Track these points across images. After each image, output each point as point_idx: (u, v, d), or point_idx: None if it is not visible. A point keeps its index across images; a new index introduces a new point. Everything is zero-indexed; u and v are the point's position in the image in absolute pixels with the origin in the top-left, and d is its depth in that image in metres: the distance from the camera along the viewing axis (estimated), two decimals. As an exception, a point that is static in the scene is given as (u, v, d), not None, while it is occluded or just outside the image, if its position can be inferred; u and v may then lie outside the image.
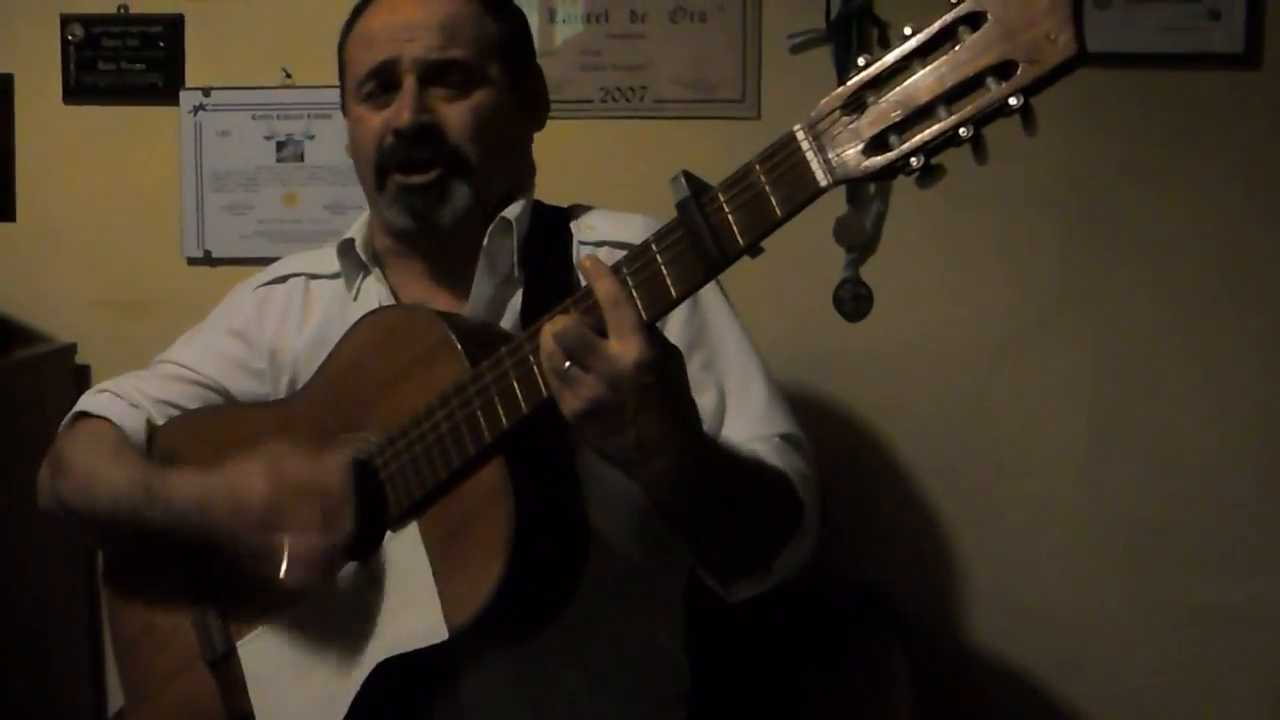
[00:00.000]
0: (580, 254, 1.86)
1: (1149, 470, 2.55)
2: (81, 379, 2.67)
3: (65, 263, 2.73)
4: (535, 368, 1.50)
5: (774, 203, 1.34)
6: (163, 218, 2.70)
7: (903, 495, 2.60)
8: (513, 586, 1.53)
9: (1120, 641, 2.57)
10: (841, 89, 1.30)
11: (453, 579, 1.58)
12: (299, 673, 1.73)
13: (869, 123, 1.28)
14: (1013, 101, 1.22)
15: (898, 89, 1.27)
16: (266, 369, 1.95)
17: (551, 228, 1.89)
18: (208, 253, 2.69)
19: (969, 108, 1.24)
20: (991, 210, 2.51)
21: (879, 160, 1.28)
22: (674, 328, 1.76)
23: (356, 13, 1.90)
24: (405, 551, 1.64)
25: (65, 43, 2.69)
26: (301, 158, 2.66)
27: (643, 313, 1.43)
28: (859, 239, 2.51)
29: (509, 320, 1.82)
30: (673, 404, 1.47)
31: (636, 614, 1.84)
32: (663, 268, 1.42)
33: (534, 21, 2.53)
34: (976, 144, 1.25)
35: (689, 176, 1.39)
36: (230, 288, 2.07)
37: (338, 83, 1.94)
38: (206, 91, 2.67)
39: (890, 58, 1.28)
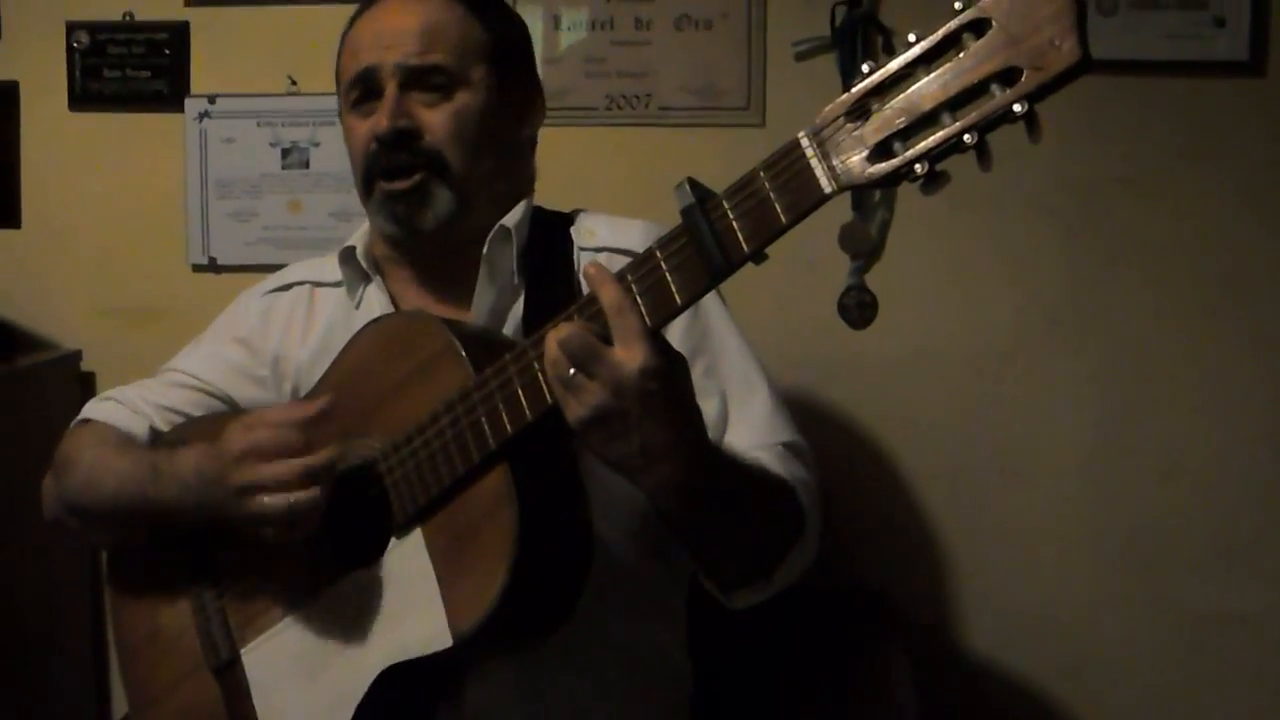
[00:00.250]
0: (581, 259, 1.86)
1: (1152, 477, 2.55)
2: (87, 386, 2.67)
3: (70, 269, 2.74)
4: (540, 374, 1.50)
5: (779, 209, 1.33)
6: (168, 225, 2.70)
7: (907, 501, 2.60)
8: (517, 593, 1.53)
9: (1124, 648, 2.57)
10: (846, 96, 1.30)
11: (457, 585, 1.58)
12: (303, 679, 1.73)
13: (873, 129, 1.28)
14: (1017, 108, 1.22)
15: (902, 96, 1.27)
16: (269, 376, 1.96)
17: (552, 234, 1.89)
18: (213, 260, 2.69)
19: (973, 114, 1.24)
20: (995, 217, 2.51)
21: (883, 167, 1.28)
22: (676, 334, 1.75)
23: (350, 23, 1.91)
24: (410, 558, 1.63)
25: (71, 50, 2.69)
26: (306, 165, 2.67)
27: (647, 319, 1.43)
28: (864, 246, 2.51)
29: (511, 327, 1.82)
30: (677, 411, 1.47)
31: (639, 619, 1.84)
32: (667, 274, 1.41)
33: (538, 29, 2.55)
34: (981, 151, 1.25)
35: (693, 183, 1.39)
36: (235, 295, 2.07)
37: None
38: (212, 99, 2.67)
39: (894, 65, 1.28)
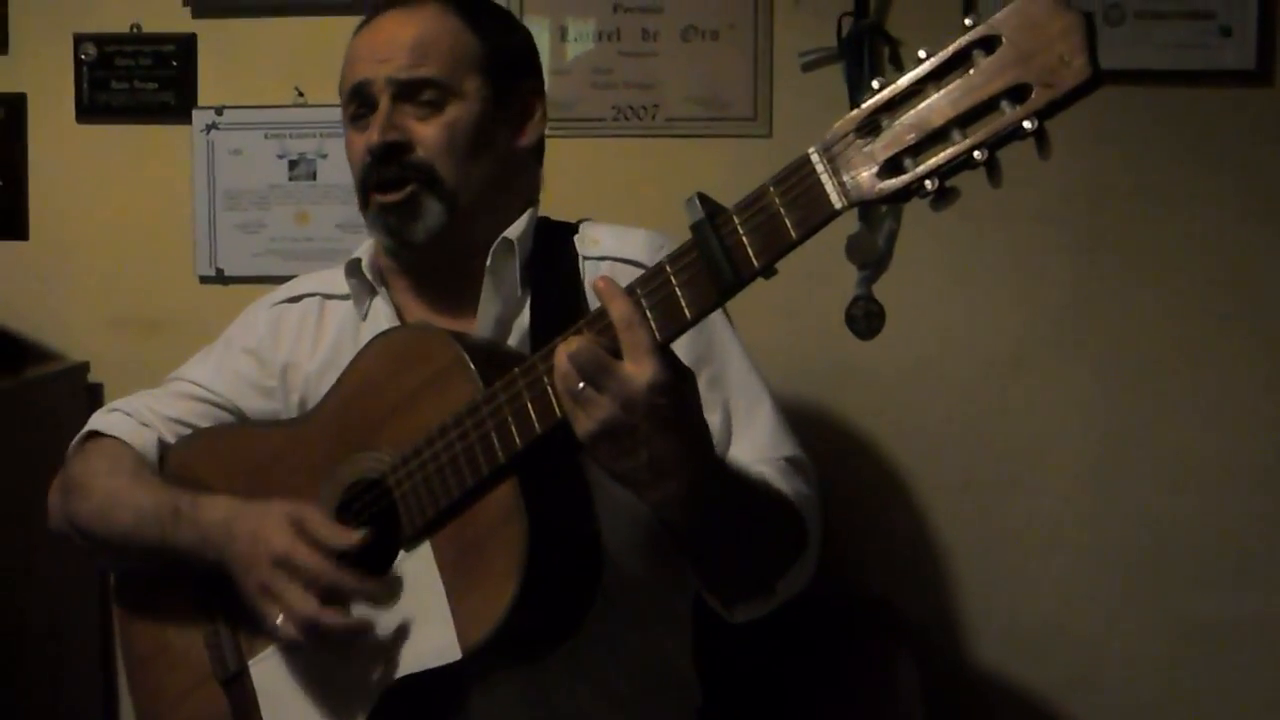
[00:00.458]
0: (585, 268, 1.86)
1: (1160, 486, 2.55)
2: (94, 397, 2.67)
3: (78, 281, 2.74)
4: (549, 388, 1.50)
5: (789, 225, 1.33)
6: (175, 236, 2.71)
7: (914, 511, 2.60)
8: (526, 606, 1.53)
9: (1132, 658, 2.57)
10: (856, 112, 1.30)
11: (466, 598, 1.58)
12: (312, 692, 1.73)
13: (883, 145, 1.28)
14: (1027, 125, 1.22)
15: (912, 112, 1.27)
16: (278, 387, 1.96)
17: (556, 244, 1.89)
18: (220, 271, 2.70)
19: (983, 131, 1.24)
20: (1003, 227, 2.51)
21: (894, 183, 1.28)
22: (680, 346, 1.73)
23: (353, 35, 1.92)
24: (418, 571, 1.64)
25: (78, 62, 2.70)
26: (314, 176, 2.67)
27: (656, 334, 1.43)
28: (871, 256, 2.51)
29: (516, 339, 1.83)
30: (685, 426, 1.47)
31: (646, 630, 1.84)
32: (677, 289, 1.41)
33: (545, 40, 2.55)
34: (991, 167, 1.25)
35: (703, 198, 1.39)
36: (243, 306, 2.07)
37: (345, 103, 1.95)
38: (219, 110, 2.67)
39: (905, 81, 1.28)
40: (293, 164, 2.67)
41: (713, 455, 1.57)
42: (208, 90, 2.69)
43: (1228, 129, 2.51)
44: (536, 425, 1.52)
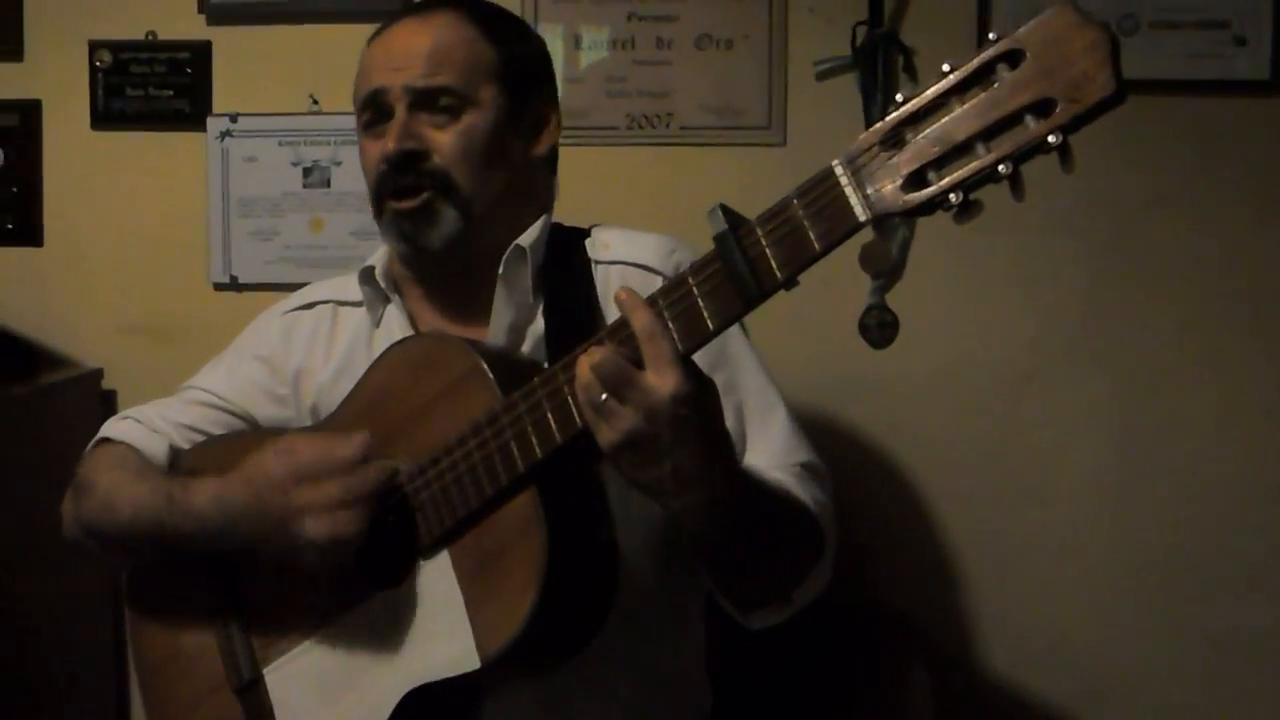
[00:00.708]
0: (596, 273, 1.87)
1: (1174, 498, 2.55)
2: (108, 404, 2.67)
3: (92, 288, 2.75)
4: (570, 398, 1.50)
5: (812, 237, 1.34)
6: (189, 243, 2.71)
7: (927, 521, 2.59)
8: (545, 616, 1.53)
9: (1145, 669, 2.57)
10: (880, 124, 1.30)
11: (484, 608, 1.58)
12: (327, 700, 1.73)
13: (908, 159, 1.28)
14: (1051, 139, 1.22)
15: (936, 125, 1.28)
16: (290, 394, 1.96)
17: (567, 249, 1.89)
18: (234, 278, 2.70)
19: (1007, 145, 1.24)
20: (1016, 237, 2.51)
21: (918, 196, 1.28)
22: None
23: (367, 43, 1.92)
24: (436, 580, 1.64)
25: (93, 69, 2.71)
26: (328, 184, 2.67)
27: (679, 344, 1.43)
28: (885, 266, 2.52)
29: (529, 345, 1.83)
30: (708, 436, 1.47)
31: (658, 638, 1.84)
32: (699, 300, 1.42)
33: (559, 48, 2.56)
34: (1015, 181, 1.25)
35: (726, 210, 1.39)
36: (256, 313, 2.07)
37: (359, 111, 1.96)
38: (233, 118, 2.68)
39: (929, 94, 1.28)
40: (307, 171, 2.68)
41: (735, 464, 1.57)
42: (222, 98, 2.70)
43: (1242, 139, 2.50)
44: (557, 435, 1.52)
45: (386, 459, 1.69)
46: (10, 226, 2.75)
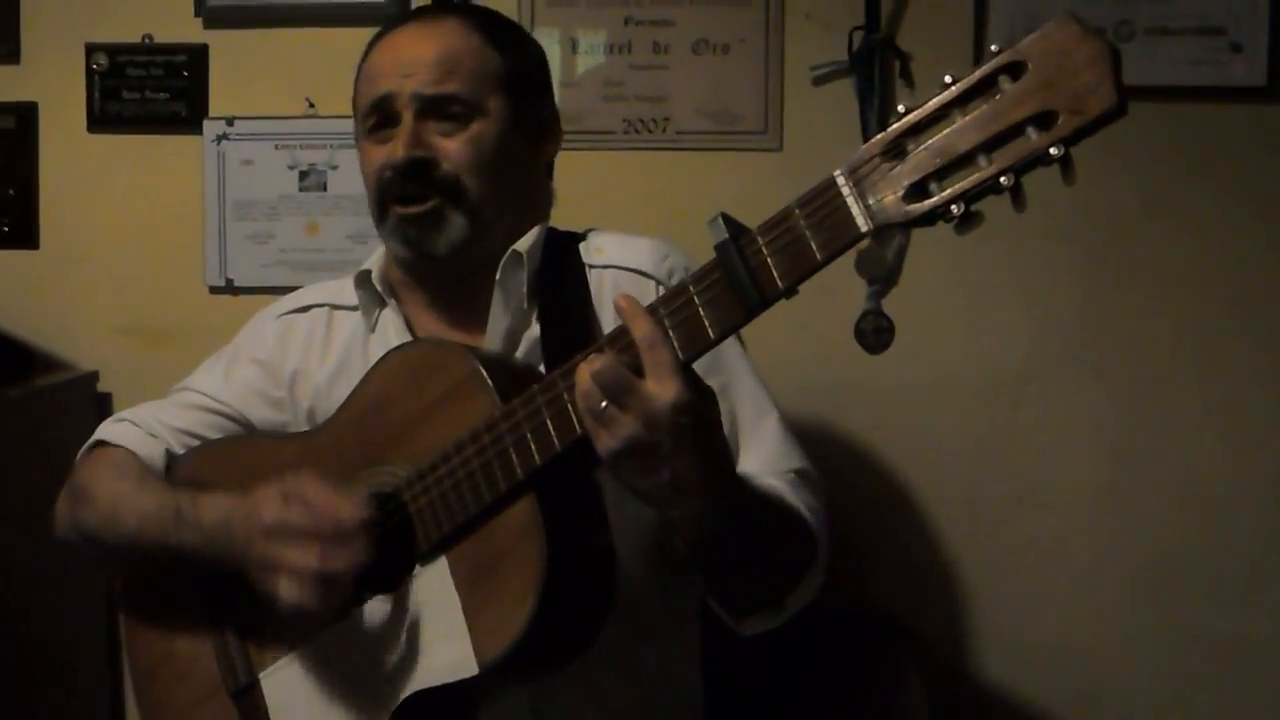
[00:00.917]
0: (590, 278, 1.87)
1: (1169, 503, 2.55)
2: (103, 407, 2.67)
3: (88, 290, 2.74)
4: (569, 405, 1.50)
5: (814, 247, 1.34)
6: (185, 246, 2.71)
7: (923, 526, 2.60)
8: (543, 623, 1.53)
9: (1141, 675, 2.57)
10: (882, 135, 1.30)
11: (483, 614, 1.58)
12: (324, 705, 1.73)
13: (909, 170, 1.29)
14: (1053, 151, 1.22)
15: (938, 136, 1.28)
16: (286, 398, 1.96)
17: (562, 254, 1.89)
18: (230, 281, 2.70)
19: (1009, 157, 1.24)
20: (1012, 243, 2.51)
21: (919, 207, 1.28)
22: None
23: (367, 49, 1.92)
24: (434, 586, 1.64)
25: (90, 71, 2.70)
26: (324, 187, 2.67)
27: (679, 353, 1.43)
28: (881, 271, 2.52)
29: (525, 350, 1.83)
30: (707, 444, 1.47)
31: (653, 642, 1.84)
32: (700, 309, 1.42)
33: (556, 53, 2.56)
34: (1016, 192, 1.26)
35: (727, 219, 1.39)
36: (252, 316, 2.07)
37: (356, 115, 1.95)
38: (230, 121, 2.68)
39: (931, 105, 1.28)
40: (303, 175, 2.68)
41: (733, 472, 1.58)
42: (219, 101, 2.70)
43: (1238, 145, 2.51)
44: (556, 443, 1.52)
45: (384, 464, 1.69)
46: (6, 229, 2.74)
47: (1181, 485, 2.55)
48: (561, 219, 1.96)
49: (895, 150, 1.29)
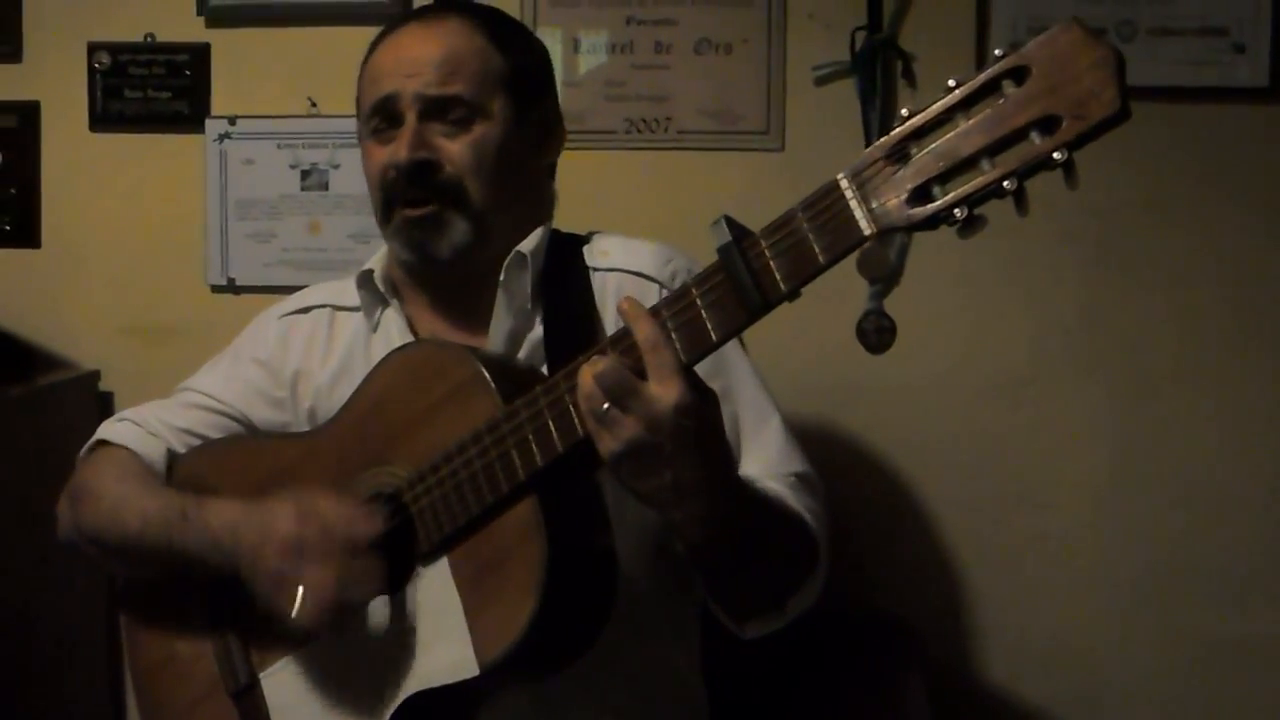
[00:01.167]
0: (594, 280, 1.87)
1: (1170, 503, 2.55)
2: (105, 406, 2.67)
3: (89, 289, 2.74)
4: (572, 407, 1.50)
5: (817, 250, 1.34)
6: (187, 245, 2.71)
7: (923, 527, 2.60)
8: (544, 624, 1.53)
9: (1141, 675, 2.57)
10: (885, 139, 1.31)
11: (484, 615, 1.58)
12: (324, 705, 1.73)
13: (912, 173, 1.29)
14: (1057, 155, 1.23)
15: (941, 140, 1.28)
16: (288, 398, 1.96)
17: (566, 256, 1.89)
18: (232, 280, 2.70)
19: (1012, 161, 1.25)
20: (1013, 243, 2.51)
21: (922, 211, 1.28)
22: None
23: (371, 48, 1.91)
24: (435, 587, 1.64)
25: (92, 70, 2.71)
26: (326, 187, 2.67)
27: (681, 355, 1.43)
28: (883, 271, 2.52)
29: (527, 351, 1.83)
30: (710, 446, 1.48)
31: (654, 643, 1.85)
32: (702, 311, 1.42)
33: (558, 52, 2.55)
34: (1019, 196, 1.26)
35: (730, 221, 1.39)
36: (254, 315, 2.07)
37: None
38: (232, 120, 2.68)
39: (934, 109, 1.28)
40: (305, 174, 2.68)
41: (735, 475, 1.58)
42: (221, 100, 2.70)
43: (1240, 146, 2.51)
44: (558, 444, 1.53)
45: (385, 465, 1.69)
46: (8, 228, 2.74)
47: (1182, 485, 2.54)
48: (563, 218, 1.96)
49: (899, 153, 1.29)
